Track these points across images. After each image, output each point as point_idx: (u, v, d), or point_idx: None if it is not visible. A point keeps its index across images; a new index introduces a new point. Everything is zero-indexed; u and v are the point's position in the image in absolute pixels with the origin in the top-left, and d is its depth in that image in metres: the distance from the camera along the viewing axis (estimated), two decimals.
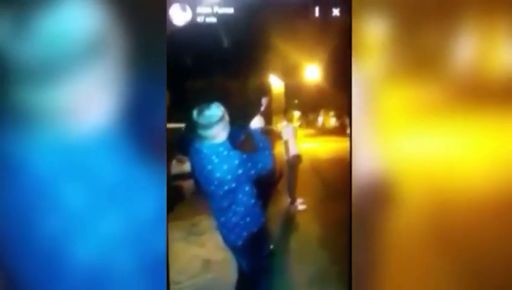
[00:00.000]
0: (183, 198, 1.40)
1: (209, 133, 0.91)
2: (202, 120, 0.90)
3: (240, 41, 0.86)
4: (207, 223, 1.43)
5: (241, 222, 0.98)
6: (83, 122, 0.54)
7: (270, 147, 1.05)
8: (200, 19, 0.68)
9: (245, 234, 0.98)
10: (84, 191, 0.53)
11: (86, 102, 0.54)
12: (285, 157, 2.37)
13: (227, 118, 0.94)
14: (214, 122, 0.90)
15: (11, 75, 0.53)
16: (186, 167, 1.21)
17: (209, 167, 0.92)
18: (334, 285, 1.41)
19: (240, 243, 0.99)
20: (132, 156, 0.56)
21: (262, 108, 1.45)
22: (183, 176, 1.18)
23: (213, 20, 0.69)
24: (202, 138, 0.93)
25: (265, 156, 1.00)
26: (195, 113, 0.90)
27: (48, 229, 0.53)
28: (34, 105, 0.53)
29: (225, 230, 1.00)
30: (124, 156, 0.56)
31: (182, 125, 0.99)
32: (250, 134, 1.05)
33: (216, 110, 0.92)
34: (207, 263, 1.66)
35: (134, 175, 0.56)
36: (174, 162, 1.10)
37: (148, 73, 0.57)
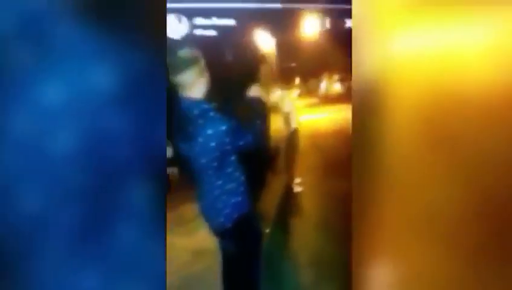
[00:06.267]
0: (168, 188, 1.29)
1: (183, 78, 0.75)
2: (173, 61, 0.74)
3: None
4: (193, 212, 1.35)
5: (233, 201, 0.86)
6: None
7: (265, 120, 0.90)
8: (197, 32, 0.55)
9: (236, 215, 0.87)
10: None
11: None
12: (284, 132, 2.12)
13: (203, 65, 0.79)
14: (187, 63, 0.75)
15: None
16: (168, 151, 1.08)
17: (190, 129, 0.77)
18: (334, 267, 1.35)
19: (229, 225, 0.88)
20: None
21: (261, 76, 1.32)
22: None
23: (212, 33, 0.57)
24: (176, 88, 0.78)
25: (258, 128, 0.86)
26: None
27: None
28: None
29: (212, 212, 0.89)
30: None
31: None
32: (246, 103, 0.90)
33: (189, 51, 0.76)
34: (196, 253, 1.61)
35: None
36: None
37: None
